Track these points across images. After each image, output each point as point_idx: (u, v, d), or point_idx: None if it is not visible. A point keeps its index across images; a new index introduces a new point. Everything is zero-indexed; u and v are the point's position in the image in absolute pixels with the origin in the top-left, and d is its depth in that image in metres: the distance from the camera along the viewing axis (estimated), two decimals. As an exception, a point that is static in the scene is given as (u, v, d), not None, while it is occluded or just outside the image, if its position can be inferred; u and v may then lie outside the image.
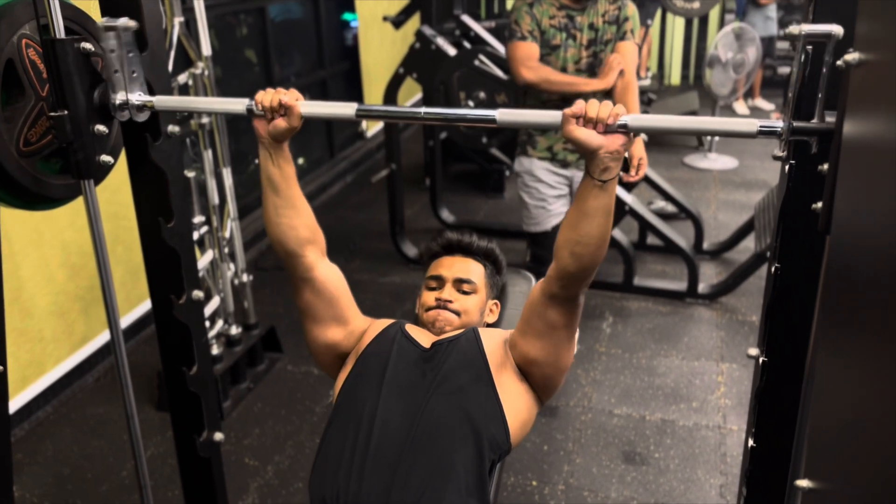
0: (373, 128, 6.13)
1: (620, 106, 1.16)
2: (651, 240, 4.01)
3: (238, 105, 1.38)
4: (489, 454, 1.34)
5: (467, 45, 3.68)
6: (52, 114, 1.32)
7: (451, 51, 3.51)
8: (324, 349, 1.54)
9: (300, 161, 5.26)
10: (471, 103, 3.27)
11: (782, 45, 7.56)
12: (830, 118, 1.02)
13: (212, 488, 1.79)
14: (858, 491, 0.64)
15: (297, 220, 1.45)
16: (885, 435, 0.56)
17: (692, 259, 3.53)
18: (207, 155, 2.73)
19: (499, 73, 3.26)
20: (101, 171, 1.42)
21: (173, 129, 1.49)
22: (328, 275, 1.51)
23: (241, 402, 2.88)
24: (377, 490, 1.27)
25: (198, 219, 2.76)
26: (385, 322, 1.56)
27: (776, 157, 1.20)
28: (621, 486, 2.38)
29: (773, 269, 1.23)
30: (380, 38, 6.20)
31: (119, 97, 1.37)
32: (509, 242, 4.26)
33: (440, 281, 1.60)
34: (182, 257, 1.57)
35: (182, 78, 2.59)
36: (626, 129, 1.16)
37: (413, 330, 1.53)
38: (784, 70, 7.48)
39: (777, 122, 1.10)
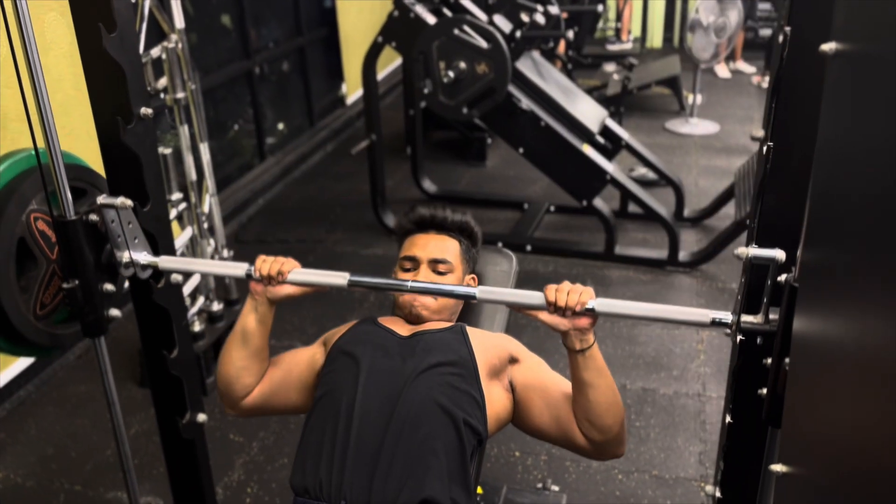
0: (353, 94, 6.05)
1: (588, 291, 1.29)
2: (632, 208, 4.02)
3: (238, 270, 1.48)
4: (470, 440, 1.35)
5: (448, 13, 3.62)
6: (65, 285, 1.43)
7: (431, 19, 3.46)
8: (308, 408, 1.52)
9: (280, 126, 5.20)
10: (451, 73, 3.23)
11: (764, 7, 7.53)
12: (774, 315, 1.17)
13: (196, 468, 1.80)
14: (830, 475, 0.65)
15: (253, 370, 1.50)
16: (854, 421, 0.57)
17: (672, 227, 3.55)
18: (184, 130, 2.69)
19: (480, 42, 3.22)
20: (109, 325, 1.53)
21: (146, 111, 1.46)
22: (261, 391, 1.53)
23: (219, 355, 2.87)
24: (359, 480, 1.27)
25: (175, 195, 2.72)
26: (348, 324, 1.56)
27: (754, 138, 1.20)
28: (603, 455, 2.42)
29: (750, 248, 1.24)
30: (359, 4, 6.09)
31: (124, 257, 1.47)
32: (492, 212, 4.27)
33: (415, 262, 1.58)
34: (159, 241, 1.56)
35: (155, 52, 2.54)
36: (592, 314, 1.30)
37: (388, 321, 1.53)
38: (766, 32, 7.46)
39: (727, 316, 1.24)
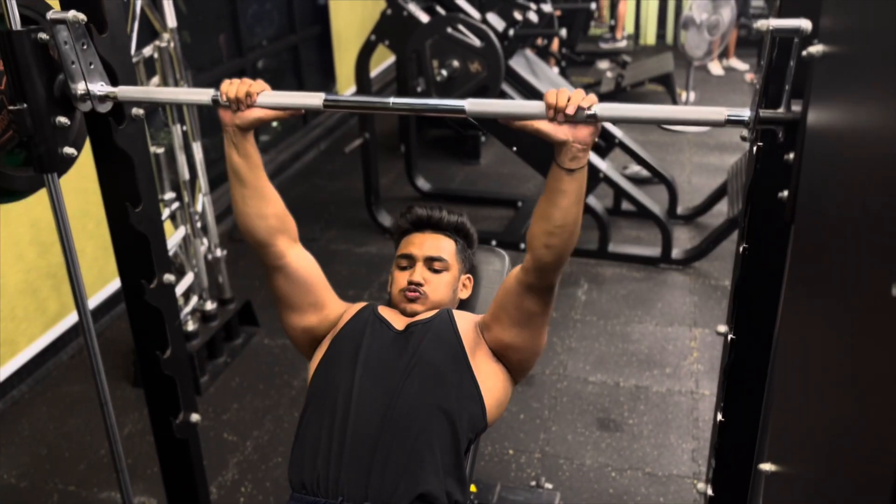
0: (347, 90, 6.04)
1: (590, 97, 1.17)
2: (626, 205, 4.02)
3: (203, 96, 1.36)
4: (466, 433, 1.36)
5: (441, 11, 3.62)
6: (12, 107, 1.29)
7: (424, 17, 3.45)
8: (300, 333, 1.53)
9: (274, 124, 5.18)
10: (444, 71, 3.23)
11: (757, 3, 7.54)
12: (797, 107, 1.02)
13: (190, 468, 1.80)
14: (818, 475, 0.66)
15: (267, 210, 1.43)
16: (842, 420, 0.58)
17: (666, 225, 3.56)
18: (177, 129, 2.69)
19: (473, 41, 3.22)
20: (65, 164, 1.40)
21: (137, 112, 1.46)
22: (300, 262, 1.49)
23: (218, 377, 2.88)
24: (356, 475, 1.28)
25: (169, 195, 2.72)
26: (359, 305, 1.56)
27: (744, 139, 1.21)
28: (596, 453, 2.43)
29: (741, 248, 1.24)
30: (351, 2, 6.08)
31: (79, 88, 1.33)
32: (486, 210, 4.27)
33: (411, 260, 1.59)
34: (151, 241, 1.55)
35: (147, 51, 2.53)
36: (594, 119, 1.17)
37: (385, 312, 1.53)
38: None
39: (744, 111, 1.10)
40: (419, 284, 1.54)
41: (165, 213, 2.67)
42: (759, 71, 1.09)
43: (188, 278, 2.84)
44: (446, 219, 1.65)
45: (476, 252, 1.77)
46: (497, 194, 4.48)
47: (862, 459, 0.50)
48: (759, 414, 1.29)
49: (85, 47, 1.32)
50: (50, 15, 1.27)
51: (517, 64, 3.61)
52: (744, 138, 1.20)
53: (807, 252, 0.84)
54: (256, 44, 4.90)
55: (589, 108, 1.17)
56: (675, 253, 3.60)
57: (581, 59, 7.09)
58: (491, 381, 1.44)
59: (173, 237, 2.74)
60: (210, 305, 2.94)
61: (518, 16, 3.45)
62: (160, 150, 2.61)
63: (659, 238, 3.61)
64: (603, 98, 5.49)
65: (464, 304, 1.73)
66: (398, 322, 1.51)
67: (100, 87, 1.35)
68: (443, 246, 1.62)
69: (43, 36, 1.28)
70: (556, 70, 5.41)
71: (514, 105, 1.22)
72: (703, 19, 5.33)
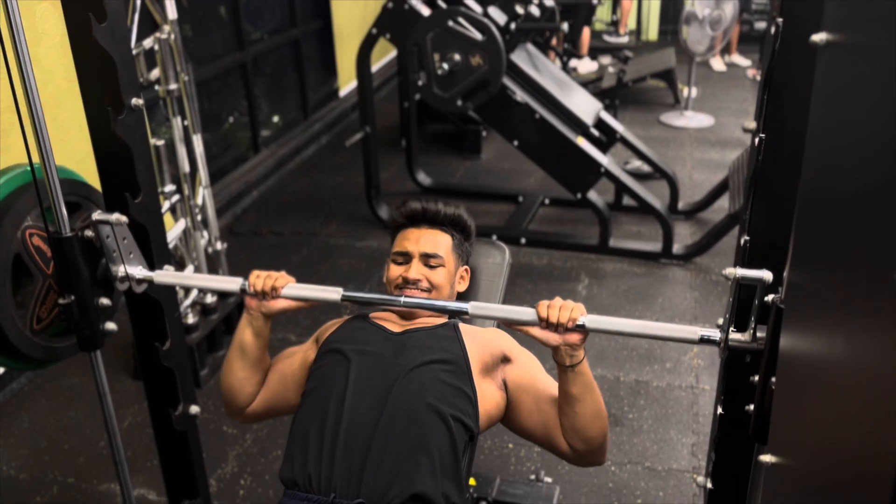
0: (347, 86, 6.04)
1: (579, 308, 1.31)
2: (627, 201, 4.02)
3: (233, 285, 1.49)
4: (462, 436, 1.35)
5: (442, 4, 3.61)
6: (61, 301, 1.44)
7: (425, 11, 3.45)
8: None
9: (275, 119, 5.19)
10: (445, 65, 3.22)
11: (759, 0, 7.52)
12: (761, 333, 1.18)
13: (189, 460, 1.80)
14: (818, 466, 0.65)
15: (254, 379, 1.52)
16: (842, 413, 0.57)
17: (667, 220, 3.55)
18: (177, 121, 2.68)
19: (475, 34, 3.21)
20: (105, 337, 1.54)
21: (137, 102, 1.45)
22: (262, 398, 1.55)
23: (218, 370, 2.88)
24: (349, 474, 1.27)
25: (169, 187, 2.71)
26: (337, 321, 1.57)
27: (746, 130, 1.20)
28: (596, 447, 2.43)
29: (742, 241, 1.24)
30: (353, -5, 6.07)
31: (120, 271, 1.48)
32: (486, 205, 4.27)
33: (406, 256, 1.56)
34: (151, 232, 1.55)
35: (147, 43, 2.53)
36: (583, 330, 1.32)
37: (379, 317, 1.53)
38: (761, 25, 7.45)
39: (715, 333, 1.24)
40: (416, 281, 1.52)
41: (166, 205, 2.67)
42: (729, 295, 1.23)
43: (188, 271, 2.84)
44: (442, 212, 1.62)
45: (475, 244, 1.75)
46: (498, 189, 4.48)
47: (862, 450, 0.50)
48: (759, 408, 1.29)
49: (125, 241, 1.48)
50: (95, 217, 1.44)
51: (519, 58, 3.60)
52: (746, 130, 1.20)
53: (807, 251, 0.84)
54: (257, 38, 4.89)
55: (577, 322, 1.31)
56: (676, 248, 3.59)
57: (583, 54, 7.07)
58: (488, 399, 1.43)
59: (173, 230, 2.73)
60: (210, 299, 2.93)
61: (520, 9, 3.44)
62: (160, 143, 2.60)
63: (660, 233, 3.60)
64: (604, 93, 5.49)
65: (461, 297, 1.72)
66: (394, 325, 1.50)
67: (139, 272, 1.51)
68: (439, 242, 1.59)
69: (89, 233, 1.43)
70: (557, 64, 5.39)
71: (511, 311, 1.36)
72: (706, 14, 5.32)
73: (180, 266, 2.80)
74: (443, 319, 1.54)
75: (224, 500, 2.26)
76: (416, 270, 1.53)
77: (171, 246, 2.58)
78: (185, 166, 2.74)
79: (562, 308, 1.31)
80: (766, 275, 1.13)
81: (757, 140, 1.17)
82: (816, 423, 0.67)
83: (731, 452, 1.34)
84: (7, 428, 2.59)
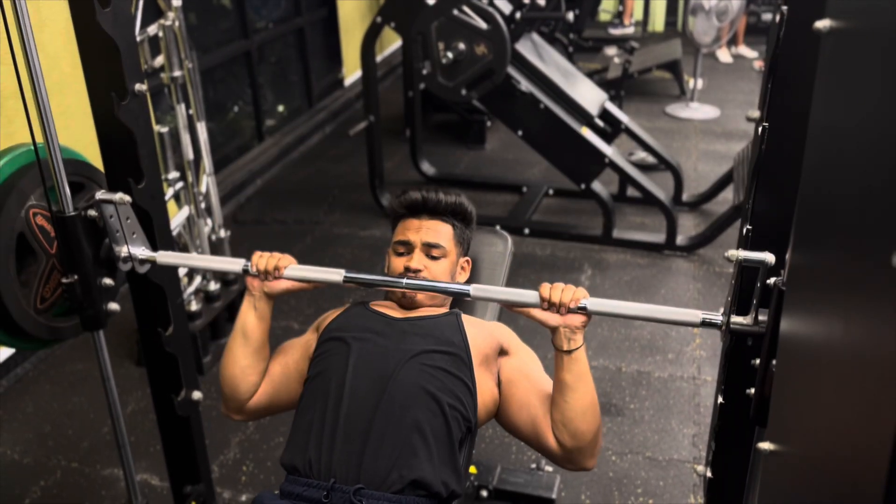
0: (351, 75, 6.03)
1: (581, 290, 1.32)
2: (631, 192, 4.01)
3: (235, 265, 1.49)
4: (461, 424, 1.35)
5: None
6: (64, 280, 1.44)
7: (430, -1, 3.43)
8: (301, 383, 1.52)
9: (279, 108, 5.18)
10: (450, 54, 3.21)
11: (767, -8, 7.47)
12: (763, 317, 1.17)
13: (191, 445, 1.81)
14: (816, 453, 0.65)
15: (257, 368, 1.51)
16: (839, 400, 0.57)
17: (671, 211, 3.55)
18: (181, 109, 2.68)
19: (479, 23, 3.20)
20: (108, 318, 1.53)
21: (140, 87, 1.45)
22: (264, 390, 1.53)
23: (221, 357, 2.88)
24: (348, 459, 1.27)
25: (173, 174, 2.72)
26: (337, 310, 1.56)
27: (750, 119, 1.20)
28: (597, 437, 2.43)
29: (744, 230, 1.24)
30: (358, -16, 6.05)
31: (123, 251, 1.48)
32: (490, 195, 4.26)
33: (408, 246, 1.56)
34: (154, 218, 1.56)
35: (152, 29, 2.52)
36: (585, 312, 1.32)
37: (380, 305, 1.52)
38: (768, 17, 7.41)
39: (717, 317, 1.24)
40: (417, 271, 1.52)
41: (169, 192, 2.67)
42: (731, 278, 1.22)
43: (192, 259, 2.84)
44: (443, 202, 1.60)
45: (477, 233, 1.74)
46: (502, 179, 4.47)
47: (859, 437, 0.50)
48: (760, 396, 1.29)
49: (129, 220, 1.47)
50: (98, 196, 1.42)
51: (524, 48, 3.59)
52: (750, 119, 1.20)
53: (809, 234, 0.84)
54: (262, 26, 4.88)
55: (578, 303, 1.31)
56: (680, 239, 3.59)
57: (588, 44, 7.06)
58: (485, 392, 1.43)
59: (177, 217, 2.74)
60: (213, 286, 2.94)
61: (525, -1, 3.43)
62: (164, 130, 2.60)
63: (664, 224, 3.60)
64: (610, 84, 5.47)
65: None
66: (396, 313, 1.49)
67: (141, 251, 1.51)
68: (440, 231, 1.58)
69: (92, 213, 1.42)
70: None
71: (514, 293, 1.37)
72: (712, 5, 5.29)
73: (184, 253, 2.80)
74: (444, 309, 1.54)
75: (226, 486, 2.28)
76: (417, 260, 1.53)
77: (174, 233, 2.59)
78: (189, 154, 2.74)
79: (564, 289, 1.32)
80: (769, 257, 1.13)
81: (760, 129, 1.17)
82: (814, 409, 0.67)
83: (731, 442, 1.34)
84: (12, 413, 2.61)
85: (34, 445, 2.46)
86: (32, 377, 2.79)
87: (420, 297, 1.52)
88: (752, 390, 1.19)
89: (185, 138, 2.72)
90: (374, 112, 3.85)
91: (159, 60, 2.61)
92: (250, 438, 2.47)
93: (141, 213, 1.52)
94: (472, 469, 2.12)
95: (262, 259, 1.45)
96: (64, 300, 1.50)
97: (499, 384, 1.46)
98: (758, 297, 1.17)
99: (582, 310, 1.31)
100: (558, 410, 1.36)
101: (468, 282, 1.70)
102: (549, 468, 2.21)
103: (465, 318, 1.49)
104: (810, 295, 0.77)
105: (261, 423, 2.53)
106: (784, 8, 1.06)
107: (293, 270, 1.45)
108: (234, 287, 3.07)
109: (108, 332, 1.59)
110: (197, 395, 1.76)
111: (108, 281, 1.50)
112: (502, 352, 1.48)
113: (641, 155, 4.49)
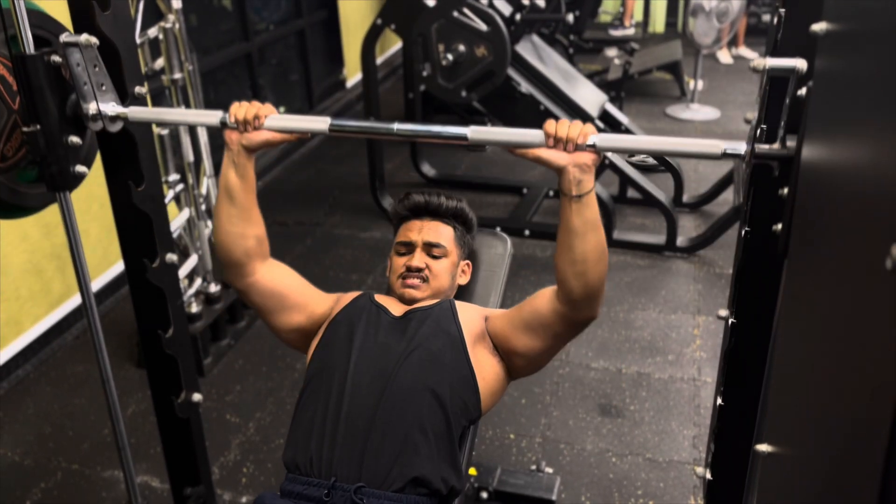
0: (352, 77, 6.03)
1: (589, 126, 1.21)
2: (631, 193, 4.01)
3: (212, 118, 1.39)
4: (459, 420, 1.36)
5: (447, -6, 3.60)
6: (25, 129, 1.33)
7: (430, 1, 3.44)
8: (288, 333, 1.52)
9: (280, 109, 5.18)
10: (450, 56, 3.22)
11: (767, -8, 7.47)
12: (791, 142, 1.05)
13: (191, 447, 1.82)
14: (813, 455, 0.66)
15: (249, 231, 1.45)
16: (836, 403, 0.57)
17: (671, 212, 3.55)
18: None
19: (479, 25, 3.20)
20: (76, 181, 1.43)
21: (140, 90, 1.46)
22: (271, 275, 1.49)
23: (221, 358, 2.89)
24: (350, 456, 1.28)
25: (173, 177, 2.72)
26: (353, 294, 1.56)
27: (747, 121, 1.20)
28: (597, 439, 2.44)
29: (742, 232, 1.24)
30: (358, -14, 6.06)
31: (91, 108, 1.36)
32: (490, 196, 4.27)
33: (410, 246, 1.57)
34: (154, 220, 1.56)
35: (152, 31, 2.53)
36: (594, 149, 1.22)
37: (383, 299, 1.53)
38: (768, 18, 7.41)
39: (741, 145, 1.15)
40: (419, 270, 1.53)
41: (169, 194, 2.68)
42: (757, 94, 1.08)
43: (192, 260, 2.85)
44: (445, 205, 1.63)
45: (477, 235, 1.76)
46: (502, 181, 4.47)
47: (856, 438, 0.50)
48: (759, 397, 1.29)
49: (97, 69, 1.36)
50: (63, 38, 1.31)
51: (524, 49, 3.59)
52: (747, 121, 1.20)
53: (807, 236, 0.84)
54: (262, 28, 4.88)
55: (587, 139, 1.21)
56: (680, 241, 3.59)
57: (589, 45, 7.06)
58: (487, 371, 1.43)
59: (177, 219, 2.74)
60: (214, 288, 2.95)
61: (525, 0, 3.43)
62: (164, 132, 2.60)
63: (664, 226, 3.60)
64: (610, 85, 5.46)
65: (462, 290, 1.73)
66: (396, 308, 1.50)
67: (111, 108, 1.38)
68: (441, 232, 1.60)
69: (56, 58, 1.32)
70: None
71: (515, 133, 1.25)
72: (713, 6, 5.29)
73: (184, 255, 2.81)
74: (438, 299, 1.55)
75: (226, 488, 2.28)
76: (419, 259, 1.55)
77: (174, 235, 2.59)
78: (190, 156, 2.74)
79: (571, 125, 1.21)
80: (801, 63, 0.98)
81: (758, 131, 1.17)
82: (811, 409, 0.67)
83: (731, 443, 1.34)
84: (12, 414, 2.61)
85: (35, 447, 2.46)
86: (33, 379, 2.79)
87: (420, 293, 1.53)
88: (780, 226, 1.10)
89: (186, 140, 2.72)
90: (375, 113, 3.85)
91: (160, 62, 2.62)
92: (250, 440, 2.47)
93: (141, 215, 1.52)
94: (472, 471, 2.12)
95: (241, 108, 1.35)
96: (28, 162, 1.40)
97: (494, 346, 1.46)
98: (787, 113, 1.04)
99: (591, 147, 1.21)
100: (567, 260, 1.29)
101: (469, 283, 1.72)
102: (549, 469, 2.21)
103: (458, 304, 1.51)
104: (841, 111, 0.71)
105: (261, 425, 2.53)
106: (782, 11, 1.07)
107: (274, 120, 1.35)
108: (233, 289, 3.07)
109: (108, 334, 1.60)
110: (197, 396, 1.76)
111: (74, 139, 1.38)
112: (486, 318, 1.49)
113: (641, 156, 4.49)
